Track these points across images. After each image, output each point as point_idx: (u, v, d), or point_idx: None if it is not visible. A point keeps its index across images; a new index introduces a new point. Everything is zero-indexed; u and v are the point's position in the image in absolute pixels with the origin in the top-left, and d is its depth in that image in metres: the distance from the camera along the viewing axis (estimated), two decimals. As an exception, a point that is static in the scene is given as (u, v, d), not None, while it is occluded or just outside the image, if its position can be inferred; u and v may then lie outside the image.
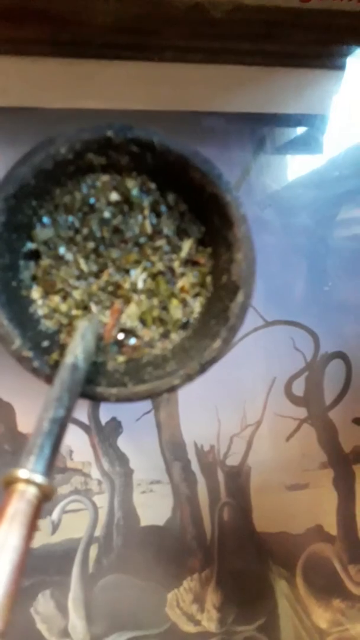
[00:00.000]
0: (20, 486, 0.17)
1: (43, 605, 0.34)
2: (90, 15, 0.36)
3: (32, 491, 0.17)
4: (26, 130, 0.35)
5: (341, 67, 0.43)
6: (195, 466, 0.38)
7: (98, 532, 0.35)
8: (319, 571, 0.39)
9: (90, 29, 0.37)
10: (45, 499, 0.18)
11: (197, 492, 0.37)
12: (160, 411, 0.37)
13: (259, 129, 0.41)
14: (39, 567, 0.34)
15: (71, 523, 0.35)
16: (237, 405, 0.38)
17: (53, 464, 0.18)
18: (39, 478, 0.17)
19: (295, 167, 0.42)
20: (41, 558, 0.34)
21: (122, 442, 0.36)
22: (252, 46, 0.40)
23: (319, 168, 0.42)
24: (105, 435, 0.36)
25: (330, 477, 0.40)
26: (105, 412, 0.36)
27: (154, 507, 0.37)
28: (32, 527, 0.17)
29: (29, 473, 0.17)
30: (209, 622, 0.37)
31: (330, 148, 0.43)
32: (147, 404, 0.37)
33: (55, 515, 0.35)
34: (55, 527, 0.35)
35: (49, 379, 0.22)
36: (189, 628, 0.37)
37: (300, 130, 0.42)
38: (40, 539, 0.35)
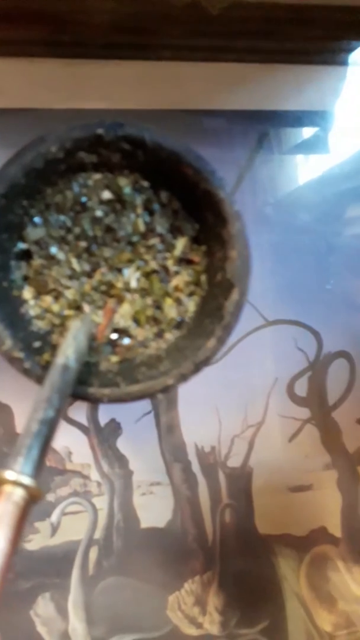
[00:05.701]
0: (7, 488, 0.17)
1: (43, 607, 0.34)
2: (88, 15, 0.36)
3: (19, 493, 0.17)
4: (25, 132, 0.35)
5: (344, 63, 0.42)
6: (196, 467, 0.37)
7: (98, 535, 0.35)
8: (323, 573, 0.39)
9: (88, 28, 0.37)
10: (32, 501, 0.17)
11: (198, 494, 0.37)
12: (160, 412, 0.37)
13: (261, 127, 0.40)
14: (39, 570, 0.34)
15: (70, 525, 0.35)
16: (238, 405, 0.38)
17: (42, 466, 0.18)
18: (27, 480, 0.17)
19: (299, 164, 0.42)
20: (41, 560, 0.34)
21: (122, 444, 0.36)
22: (252, 43, 0.40)
23: (323, 165, 0.42)
24: (105, 437, 0.36)
25: (334, 478, 0.39)
26: (105, 413, 0.36)
27: (155, 509, 0.36)
28: (18, 530, 0.17)
29: (17, 475, 0.17)
30: (211, 624, 0.37)
31: (334, 145, 0.42)
32: (146, 405, 0.37)
33: (54, 517, 0.34)
34: (54, 529, 0.34)
35: (40, 380, 0.22)
36: (190, 631, 0.36)
37: (303, 127, 0.42)
38: (40, 541, 0.34)
